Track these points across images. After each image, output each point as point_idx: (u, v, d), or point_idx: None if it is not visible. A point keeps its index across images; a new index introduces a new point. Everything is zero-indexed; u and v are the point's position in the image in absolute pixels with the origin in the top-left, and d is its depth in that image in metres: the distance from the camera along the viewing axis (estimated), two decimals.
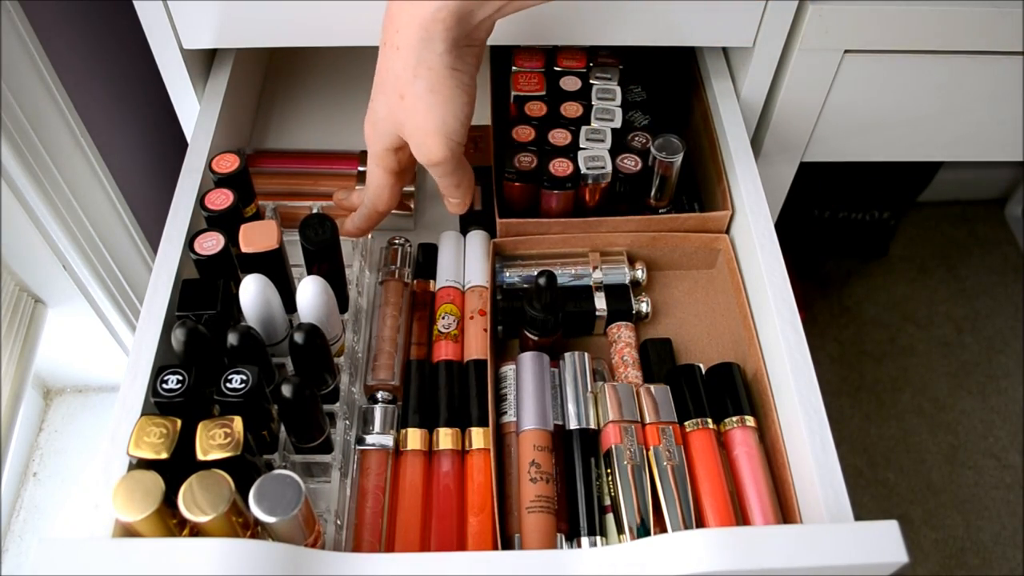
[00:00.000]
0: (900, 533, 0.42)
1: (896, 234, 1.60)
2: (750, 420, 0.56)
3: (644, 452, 0.54)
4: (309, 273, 0.59)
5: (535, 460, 0.54)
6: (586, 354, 0.60)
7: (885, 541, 0.42)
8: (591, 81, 0.71)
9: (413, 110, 0.52)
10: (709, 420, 0.56)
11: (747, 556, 0.41)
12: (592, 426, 0.57)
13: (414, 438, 0.56)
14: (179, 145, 0.67)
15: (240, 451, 0.45)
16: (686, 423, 0.57)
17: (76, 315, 0.84)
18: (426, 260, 0.67)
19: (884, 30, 0.64)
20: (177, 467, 0.44)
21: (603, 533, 0.53)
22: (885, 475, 1.35)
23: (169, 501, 0.43)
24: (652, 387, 0.57)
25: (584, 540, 0.52)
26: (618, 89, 0.70)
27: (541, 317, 0.59)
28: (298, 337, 0.51)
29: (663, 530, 0.52)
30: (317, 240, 0.57)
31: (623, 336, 0.63)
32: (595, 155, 0.65)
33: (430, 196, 0.75)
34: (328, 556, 0.42)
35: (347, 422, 0.57)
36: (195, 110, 0.67)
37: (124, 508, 0.42)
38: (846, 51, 0.66)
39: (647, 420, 0.56)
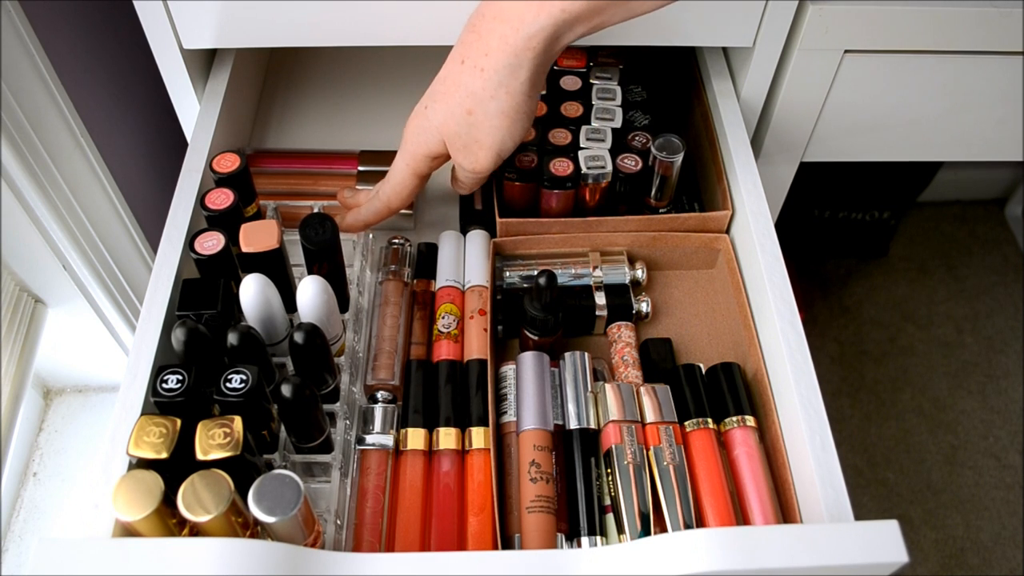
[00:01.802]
0: (900, 533, 0.42)
1: (896, 234, 1.60)
2: (750, 420, 0.56)
3: (644, 452, 0.54)
4: (309, 273, 0.59)
5: (535, 460, 0.54)
6: (586, 354, 0.60)
7: (885, 541, 0.42)
8: (591, 81, 0.71)
9: (477, 125, 0.54)
10: (709, 420, 0.56)
11: (747, 556, 0.41)
12: (592, 426, 0.57)
13: (414, 438, 0.56)
14: (179, 145, 0.67)
15: (240, 451, 0.45)
16: (686, 423, 0.57)
17: (76, 315, 0.84)
18: (426, 260, 0.67)
19: (884, 30, 0.64)
20: (177, 467, 0.44)
21: (603, 533, 0.53)
22: (885, 475, 1.35)
23: (169, 501, 0.43)
24: (652, 387, 0.57)
25: (584, 540, 0.52)
26: (618, 89, 0.70)
27: (541, 317, 0.59)
28: (298, 337, 0.51)
29: (663, 530, 0.52)
30: (317, 240, 0.57)
31: (623, 336, 0.63)
32: (595, 155, 0.65)
33: (430, 196, 0.75)
34: (328, 556, 0.42)
35: (347, 422, 0.57)
36: (195, 110, 0.67)
37: (124, 508, 0.42)
38: (846, 51, 0.66)
39: (647, 420, 0.56)
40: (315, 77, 0.85)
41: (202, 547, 0.40)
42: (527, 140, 0.66)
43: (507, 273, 0.65)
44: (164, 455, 0.44)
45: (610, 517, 0.53)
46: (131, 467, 0.46)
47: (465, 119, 0.54)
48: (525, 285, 0.65)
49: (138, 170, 0.87)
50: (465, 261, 0.66)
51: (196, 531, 0.44)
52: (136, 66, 0.79)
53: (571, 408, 0.57)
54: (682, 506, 0.52)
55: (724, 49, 0.73)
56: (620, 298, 0.64)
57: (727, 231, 0.66)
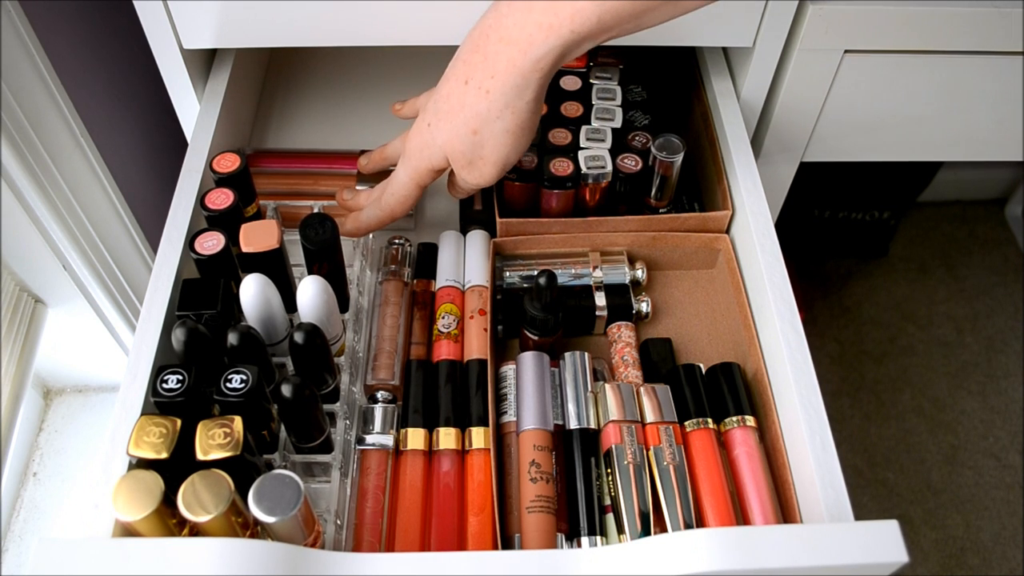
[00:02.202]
0: (900, 533, 0.42)
1: (896, 234, 1.60)
2: (750, 420, 0.56)
3: (644, 452, 0.54)
4: (309, 273, 0.59)
5: (535, 460, 0.54)
6: (586, 354, 0.60)
7: (885, 541, 0.42)
8: (591, 80, 0.71)
9: (482, 144, 0.54)
10: (709, 420, 0.56)
11: (747, 556, 0.41)
12: (592, 426, 0.57)
13: (414, 438, 0.56)
14: (179, 145, 0.67)
15: (240, 451, 0.45)
16: (686, 423, 0.57)
17: (76, 315, 0.84)
18: (426, 260, 0.67)
19: (884, 30, 0.64)
20: (177, 467, 0.44)
21: (603, 533, 0.53)
22: (885, 475, 1.35)
23: (169, 501, 0.43)
24: (652, 387, 0.57)
25: (584, 540, 0.52)
26: (618, 89, 0.70)
27: (541, 317, 0.59)
28: (298, 337, 0.51)
29: (663, 530, 0.52)
30: (317, 240, 0.57)
31: (623, 336, 0.63)
32: (595, 155, 0.65)
33: (431, 196, 0.75)
34: (328, 556, 0.42)
35: (347, 422, 0.57)
36: (195, 110, 0.67)
37: (124, 508, 0.42)
38: (846, 51, 0.66)
39: (647, 420, 0.56)
40: (315, 77, 0.85)
41: (202, 547, 0.40)
42: None
43: (507, 273, 0.65)
44: (164, 455, 0.44)
45: (610, 517, 0.53)
46: (131, 467, 0.46)
47: (470, 138, 0.54)
48: (525, 285, 0.65)
49: (138, 170, 0.87)
50: (465, 261, 0.66)
51: (196, 531, 0.44)
52: (136, 66, 0.79)
53: (571, 408, 0.57)
54: (682, 506, 0.52)
55: (724, 49, 0.73)
56: (620, 298, 0.64)
57: (727, 231, 0.66)
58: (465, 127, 0.54)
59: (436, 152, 0.56)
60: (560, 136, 0.66)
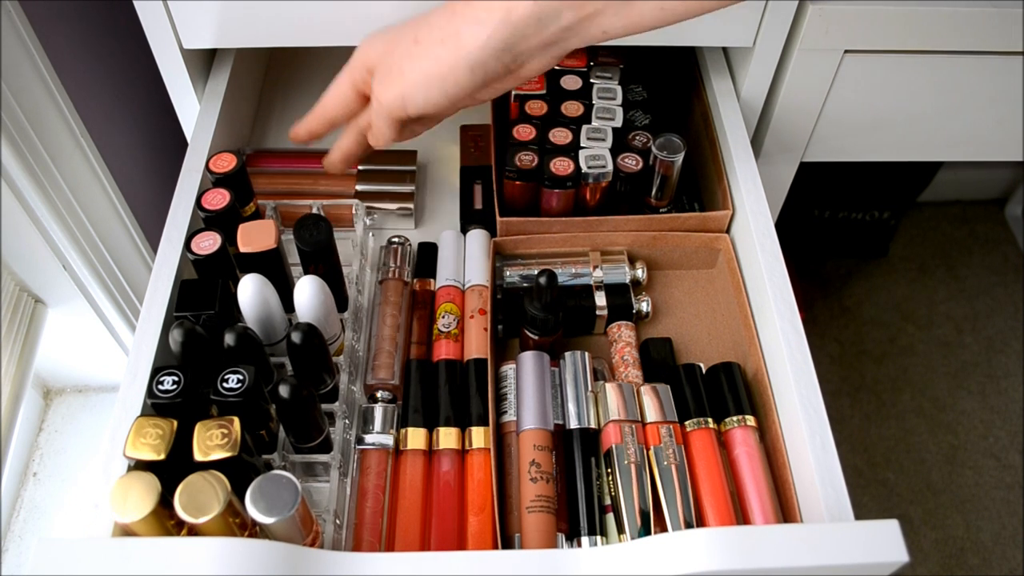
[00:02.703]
0: (900, 533, 0.42)
1: (896, 234, 1.60)
2: (750, 420, 0.56)
3: (644, 452, 0.54)
4: (306, 273, 0.59)
5: (535, 460, 0.54)
6: (586, 353, 0.60)
7: (885, 541, 0.42)
8: (592, 80, 0.71)
9: (410, 56, 0.51)
10: (709, 420, 0.56)
11: (747, 556, 0.40)
12: (592, 426, 0.56)
13: (414, 437, 0.56)
14: (179, 145, 0.67)
15: (238, 451, 0.45)
16: (686, 423, 0.57)
17: (76, 315, 0.84)
18: (426, 259, 0.67)
19: (884, 30, 0.64)
20: (174, 468, 0.44)
21: (603, 533, 0.53)
22: (885, 475, 1.35)
23: (166, 502, 0.43)
24: (653, 386, 0.57)
25: (584, 540, 0.52)
26: (619, 88, 0.70)
27: (541, 316, 0.59)
28: (295, 337, 0.51)
29: (663, 530, 0.52)
30: (311, 240, 0.57)
31: (623, 335, 0.63)
32: (596, 154, 0.65)
33: (431, 195, 0.75)
34: (328, 556, 0.42)
35: (347, 421, 0.57)
36: (195, 110, 0.67)
37: (121, 509, 0.42)
38: (846, 51, 0.66)
39: (648, 419, 0.56)
40: (315, 77, 0.85)
41: (202, 547, 0.40)
42: (526, 139, 0.66)
43: (507, 272, 0.65)
44: (161, 456, 0.44)
45: (610, 517, 0.53)
46: (130, 468, 0.46)
47: (406, 45, 0.51)
48: (525, 285, 0.65)
49: (138, 170, 0.87)
50: (465, 260, 0.66)
51: (194, 532, 0.44)
52: (136, 66, 0.79)
53: (571, 408, 0.57)
54: (682, 506, 0.52)
55: (724, 49, 0.73)
56: (620, 298, 0.64)
57: (727, 231, 0.66)
58: (413, 31, 0.50)
59: (375, 42, 0.53)
60: (560, 135, 0.66)
